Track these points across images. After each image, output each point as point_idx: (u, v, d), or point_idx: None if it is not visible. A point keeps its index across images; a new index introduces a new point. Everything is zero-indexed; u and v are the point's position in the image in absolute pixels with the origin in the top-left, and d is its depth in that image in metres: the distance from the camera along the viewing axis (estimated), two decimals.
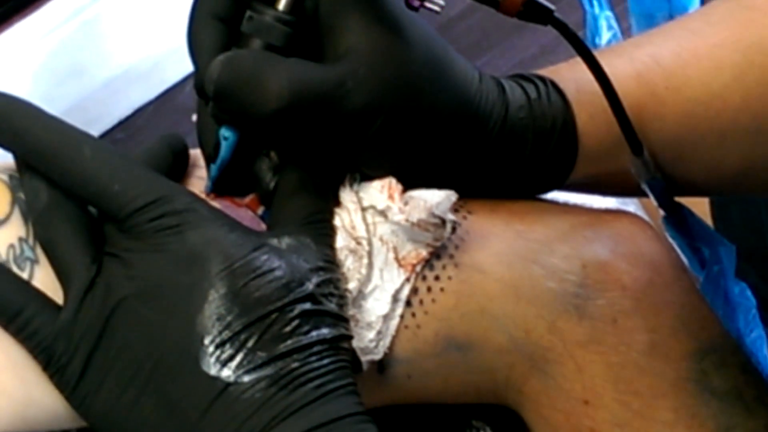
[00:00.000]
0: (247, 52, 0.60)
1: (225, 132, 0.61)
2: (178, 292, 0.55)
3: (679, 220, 0.68)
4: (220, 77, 0.58)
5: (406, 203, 0.60)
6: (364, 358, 0.59)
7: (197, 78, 0.61)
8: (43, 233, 0.58)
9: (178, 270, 0.55)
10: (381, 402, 0.62)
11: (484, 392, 0.63)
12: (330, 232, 0.60)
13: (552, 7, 0.61)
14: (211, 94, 0.58)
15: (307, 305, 0.56)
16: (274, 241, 0.57)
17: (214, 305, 0.54)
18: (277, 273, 0.55)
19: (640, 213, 0.67)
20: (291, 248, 0.57)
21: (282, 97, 0.57)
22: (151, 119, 1.92)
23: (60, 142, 0.57)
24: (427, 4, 0.61)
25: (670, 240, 0.67)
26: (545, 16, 0.61)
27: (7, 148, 0.58)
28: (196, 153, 0.64)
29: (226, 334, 0.54)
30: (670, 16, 1.19)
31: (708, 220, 0.94)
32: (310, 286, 0.56)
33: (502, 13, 0.61)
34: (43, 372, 0.56)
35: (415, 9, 0.61)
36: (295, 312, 0.55)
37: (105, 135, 1.92)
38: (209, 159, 0.62)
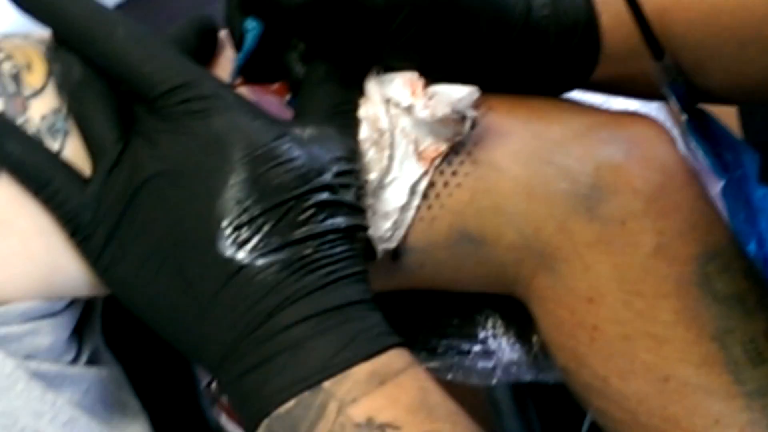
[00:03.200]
0: None
1: (249, 23, 0.62)
2: (201, 174, 0.56)
3: (701, 125, 0.68)
4: None
5: (430, 98, 0.61)
6: (380, 246, 0.61)
7: None
8: (76, 107, 0.59)
9: (201, 153, 0.56)
10: (394, 287, 0.64)
11: (493, 283, 0.64)
12: (354, 123, 0.61)
13: None
14: None
15: (324, 195, 0.57)
16: (297, 131, 0.58)
17: (234, 189, 0.56)
18: (297, 162, 0.57)
19: (662, 117, 0.67)
20: (313, 138, 0.58)
21: None
22: None
23: (94, 21, 0.58)
24: None
25: (693, 142, 0.67)
26: None
27: (43, 23, 0.59)
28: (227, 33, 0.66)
29: (244, 217, 0.56)
30: None
31: (735, 128, 0.94)
32: (328, 176, 0.57)
33: None
34: (69, 240, 0.58)
35: None
36: (312, 201, 0.57)
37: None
38: (237, 47, 0.63)
